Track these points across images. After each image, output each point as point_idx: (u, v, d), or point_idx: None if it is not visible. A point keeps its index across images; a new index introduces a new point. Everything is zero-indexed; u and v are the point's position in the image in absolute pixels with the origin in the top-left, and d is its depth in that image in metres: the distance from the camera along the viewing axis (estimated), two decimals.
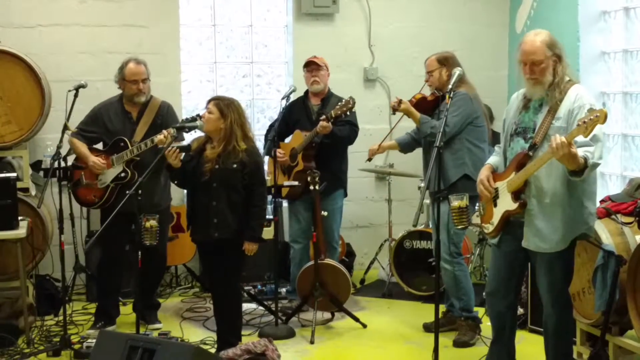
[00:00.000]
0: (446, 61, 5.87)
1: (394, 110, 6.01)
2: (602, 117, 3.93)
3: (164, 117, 6.17)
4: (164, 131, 5.70)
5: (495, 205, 4.60)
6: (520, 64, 4.48)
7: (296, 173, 6.56)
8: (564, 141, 4.01)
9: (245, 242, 5.36)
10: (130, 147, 6.01)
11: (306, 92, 6.80)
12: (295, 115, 6.73)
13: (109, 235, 5.49)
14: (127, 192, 5.03)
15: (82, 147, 6.12)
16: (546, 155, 4.20)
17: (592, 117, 3.94)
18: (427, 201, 6.81)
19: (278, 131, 6.45)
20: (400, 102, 5.93)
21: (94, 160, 6.05)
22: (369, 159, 6.60)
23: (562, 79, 4.42)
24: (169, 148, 5.24)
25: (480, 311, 5.92)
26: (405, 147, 6.38)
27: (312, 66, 6.66)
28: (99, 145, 6.27)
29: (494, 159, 4.79)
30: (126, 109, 6.17)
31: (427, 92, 6.11)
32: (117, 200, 5.93)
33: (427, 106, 5.97)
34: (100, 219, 6.30)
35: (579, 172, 4.17)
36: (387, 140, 6.61)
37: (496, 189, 4.59)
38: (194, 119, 5.59)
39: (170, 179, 5.67)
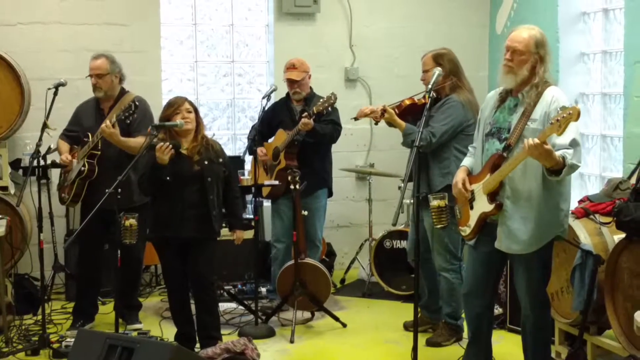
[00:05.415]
0: (442, 59, 5.63)
1: (377, 121, 5.67)
2: (575, 115, 3.88)
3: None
4: (106, 120, 5.73)
5: (472, 207, 4.57)
6: (505, 49, 4.45)
7: (278, 171, 6.54)
8: (537, 143, 3.99)
9: (236, 231, 5.60)
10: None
11: (288, 94, 6.74)
12: (278, 116, 6.69)
13: (86, 233, 5.41)
14: (107, 190, 5.02)
15: (62, 147, 6.10)
16: (521, 154, 4.17)
17: (565, 115, 3.90)
18: (408, 201, 6.83)
19: (261, 132, 6.43)
20: (384, 111, 5.55)
21: (61, 157, 6.04)
22: (356, 118, 5.98)
23: (541, 81, 4.37)
24: (162, 144, 5.16)
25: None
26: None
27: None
28: None
29: (468, 161, 4.74)
30: (100, 105, 6.11)
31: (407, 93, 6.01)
32: (88, 196, 5.94)
33: (417, 111, 5.57)
34: (80, 217, 6.25)
35: (557, 171, 4.14)
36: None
37: (472, 192, 4.55)
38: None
39: (152, 179, 5.30)
